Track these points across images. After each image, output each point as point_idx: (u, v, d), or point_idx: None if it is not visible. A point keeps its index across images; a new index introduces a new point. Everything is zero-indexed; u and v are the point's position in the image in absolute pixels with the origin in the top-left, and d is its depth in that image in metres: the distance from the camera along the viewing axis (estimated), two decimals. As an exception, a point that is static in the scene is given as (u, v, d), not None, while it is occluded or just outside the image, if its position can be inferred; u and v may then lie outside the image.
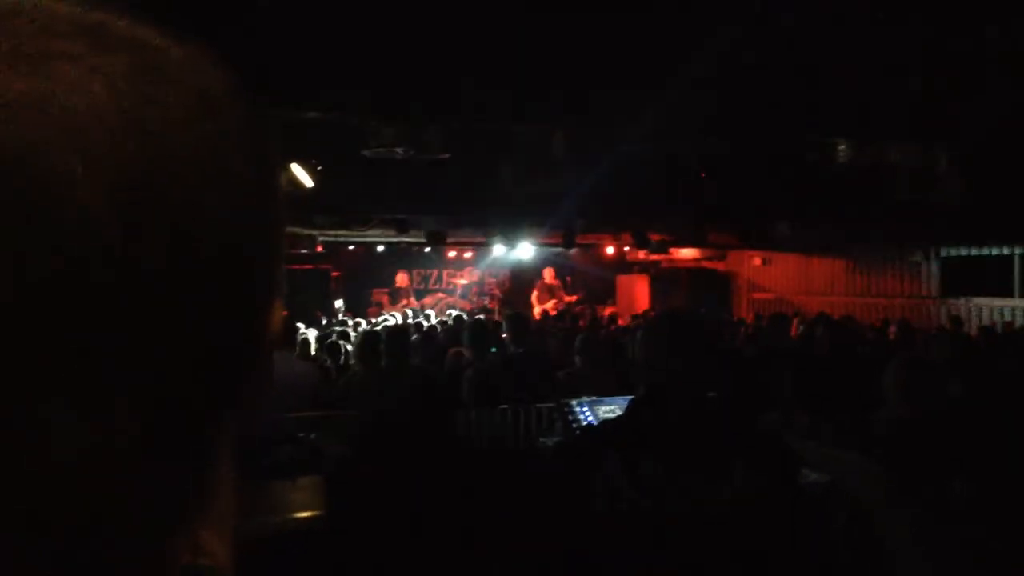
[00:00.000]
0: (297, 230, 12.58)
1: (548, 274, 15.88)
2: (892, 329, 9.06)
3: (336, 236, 14.26)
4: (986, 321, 12.02)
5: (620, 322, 12.78)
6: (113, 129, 0.36)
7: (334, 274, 16.30)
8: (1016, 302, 12.81)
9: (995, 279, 13.05)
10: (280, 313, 0.46)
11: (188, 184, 0.38)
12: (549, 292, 15.57)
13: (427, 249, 15.03)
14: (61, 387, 0.35)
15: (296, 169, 7.08)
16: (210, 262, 0.38)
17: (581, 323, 11.78)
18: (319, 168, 7.41)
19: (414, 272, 17.66)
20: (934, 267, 14.22)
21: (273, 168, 0.44)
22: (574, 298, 15.80)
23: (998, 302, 13.02)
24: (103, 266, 0.35)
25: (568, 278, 16.70)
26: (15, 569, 0.35)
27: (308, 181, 7.30)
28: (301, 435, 3.94)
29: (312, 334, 8.28)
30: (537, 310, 14.85)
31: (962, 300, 13.47)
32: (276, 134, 0.47)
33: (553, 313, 14.35)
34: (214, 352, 0.40)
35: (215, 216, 0.39)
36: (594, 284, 17.72)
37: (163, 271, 0.36)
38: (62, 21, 0.38)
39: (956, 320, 11.52)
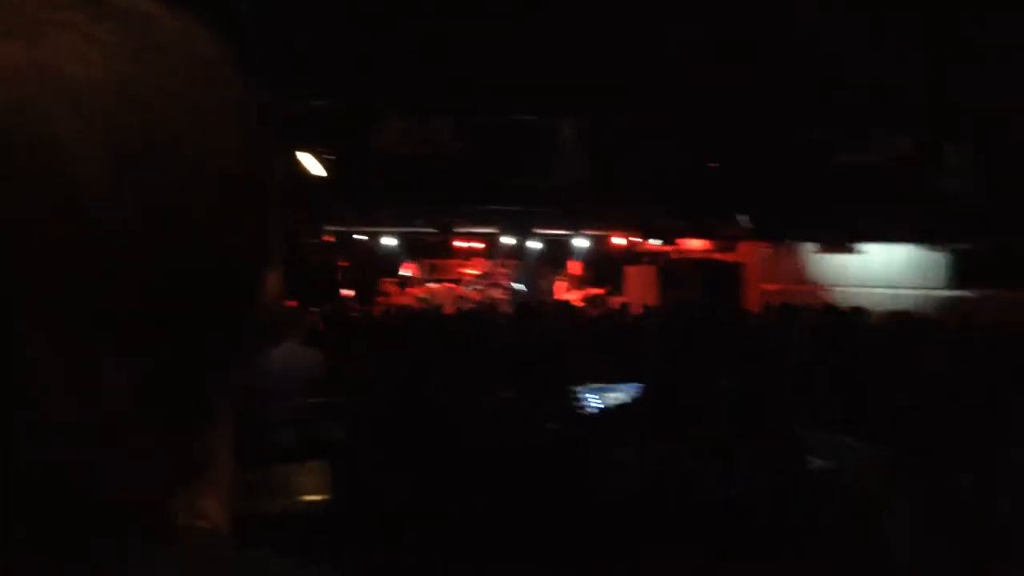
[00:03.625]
0: (306, 219, 12.58)
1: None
2: (892, 321, 9.02)
3: (345, 227, 14.27)
4: (995, 314, 11.94)
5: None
6: (109, 96, 0.37)
7: (343, 264, 16.32)
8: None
9: (1006, 272, 12.96)
10: (276, 283, 0.47)
11: (181, 149, 0.39)
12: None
13: (435, 240, 15.02)
14: (53, 345, 0.36)
15: (306, 158, 7.08)
16: (201, 226, 0.40)
17: (592, 312, 11.77)
18: (329, 158, 7.41)
19: (423, 262, 17.64)
20: (944, 259, 14.14)
21: (266, 138, 0.45)
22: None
23: (1009, 294, 12.94)
24: (96, 227, 0.36)
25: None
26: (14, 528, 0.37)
27: (319, 170, 7.30)
28: (309, 420, 3.96)
29: (322, 321, 8.31)
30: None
31: (973, 292, 13.39)
32: (273, 105, 0.48)
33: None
34: (205, 314, 0.41)
35: (207, 182, 0.40)
36: (603, 274, 17.68)
37: (156, 233, 0.38)
38: None
39: (965, 313, 11.46)
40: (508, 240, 15.75)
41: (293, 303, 8.82)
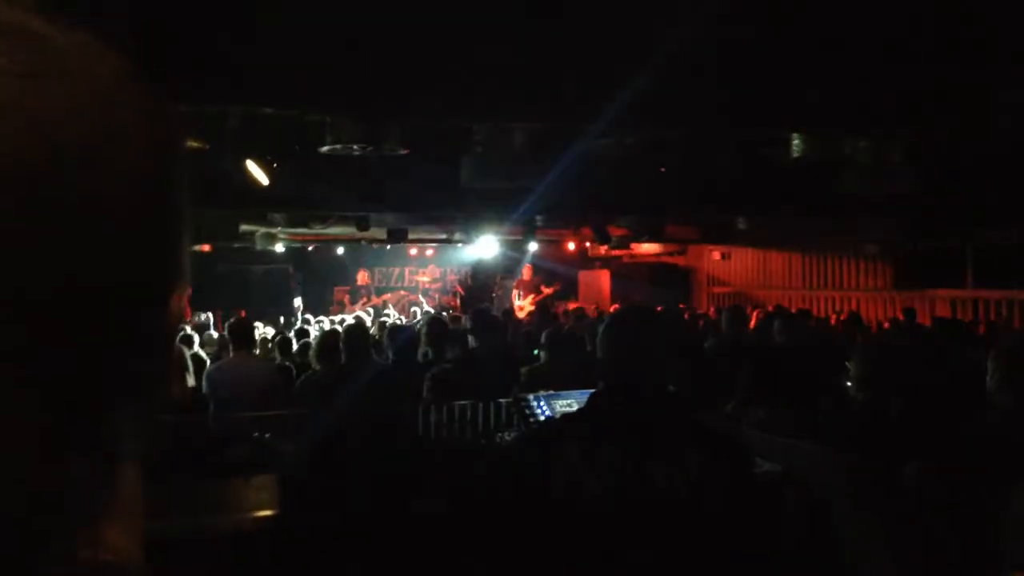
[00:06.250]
0: (254, 228, 12.45)
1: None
2: (836, 319, 9.23)
3: (295, 236, 14.13)
4: (939, 313, 12.25)
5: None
6: (1, 120, 0.35)
7: (293, 273, 16.18)
8: (968, 294, 13.08)
9: (948, 271, 13.30)
10: (184, 303, 0.46)
11: (79, 173, 0.37)
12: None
13: (388, 247, 14.96)
14: None
15: (252, 167, 7.00)
16: (102, 250, 0.38)
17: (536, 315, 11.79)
18: (275, 166, 7.33)
19: (375, 270, 17.57)
20: (888, 260, 14.46)
21: (175, 156, 0.44)
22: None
23: (951, 293, 13.28)
24: None
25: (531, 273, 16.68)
26: None
27: (264, 179, 7.22)
28: (257, 434, 3.91)
29: (270, 333, 8.22)
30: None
31: (916, 292, 13.70)
32: (184, 123, 0.46)
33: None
34: (106, 339, 0.39)
35: (107, 204, 0.38)
36: (556, 279, 17.76)
37: (52, 260, 0.36)
38: None
39: (910, 312, 11.71)
40: (461, 246, 15.74)
41: (243, 314, 8.70)
